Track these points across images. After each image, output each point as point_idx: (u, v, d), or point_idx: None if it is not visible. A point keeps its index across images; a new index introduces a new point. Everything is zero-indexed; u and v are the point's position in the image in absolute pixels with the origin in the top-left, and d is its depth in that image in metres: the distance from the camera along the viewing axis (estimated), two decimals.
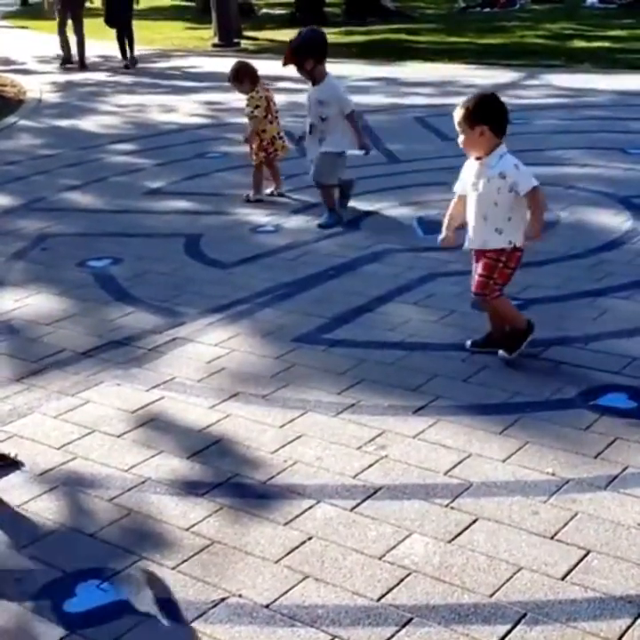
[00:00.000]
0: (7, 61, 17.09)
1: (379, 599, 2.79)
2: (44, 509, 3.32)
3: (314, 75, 6.35)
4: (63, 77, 15.12)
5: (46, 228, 6.81)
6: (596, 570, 2.86)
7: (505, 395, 3.97)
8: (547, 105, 10.70)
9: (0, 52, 17.96)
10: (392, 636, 2.64)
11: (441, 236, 4.35)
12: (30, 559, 3.05)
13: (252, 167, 7.25)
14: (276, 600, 2.80)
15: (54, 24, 16.41)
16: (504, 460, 3.47)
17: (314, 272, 5.59)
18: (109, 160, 9.01)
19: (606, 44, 15.36)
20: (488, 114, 4.07)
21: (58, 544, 3.13)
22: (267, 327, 4.82)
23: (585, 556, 2.92)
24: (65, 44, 16.27)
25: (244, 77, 7.07)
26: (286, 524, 3.17)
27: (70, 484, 3.47)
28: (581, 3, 22.55)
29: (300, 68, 6.42)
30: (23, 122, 11.47)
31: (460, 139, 4.12)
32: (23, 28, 24.35)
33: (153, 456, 3.63)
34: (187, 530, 3.16)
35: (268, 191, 7.27)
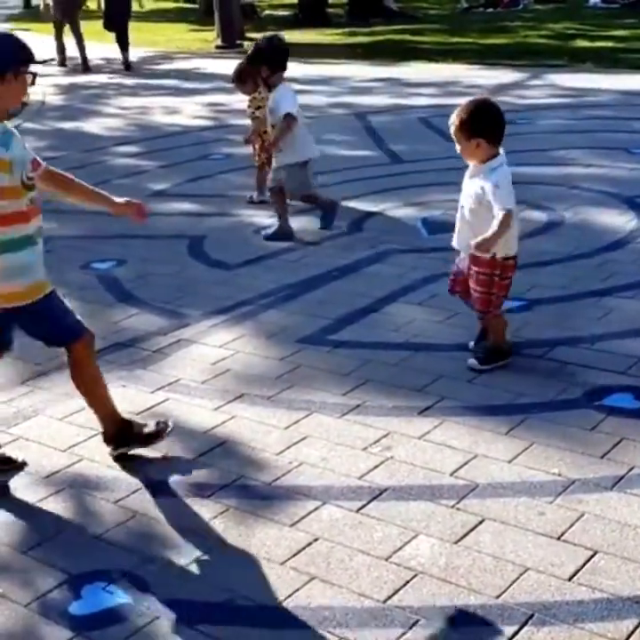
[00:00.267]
0: None
1: (385, 600, 2.78)
2: (50, 511, 3.32)
3: (269, 83, 6.34)
4: (66, 80, 15.15)
5: (51, 230, 6.77)
6: (602, 570, 2.85)
7: (510, 395, 3.96)
8: (550, 105, 10.70)
9: None
10: (399, 637, 2.64)
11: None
12: (36, 561, 3.05)
13: (256, 168, 7.25)
14: (282, 602, 2.80)
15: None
16: (510, 461, 3.46)
17: (318, 273, 5.59)
18: (113, 162, 9.02)
19: (609, 44, 15.36)
20: (483, 126, 3.98)
21: (64, 546, 3.13)
22: (271, 328, 4.82)
23: (592, 556, 2.91)
24: (61, 48, 16.44)
25: (246, 78, 7.07)
26: (292, 525, 3.16)
27: (76, 487, 3.47)
28: (584, 2, 22.56)
29: (257, 75, 6.41)
30: (26, 124, 11.47)
31: (458, 148, 4.11)
32: (26, 30, 24.37)
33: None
34: (192, 531, 3.16)
35: None
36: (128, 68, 15.88)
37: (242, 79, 7.10)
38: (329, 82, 13.52)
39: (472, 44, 16.74)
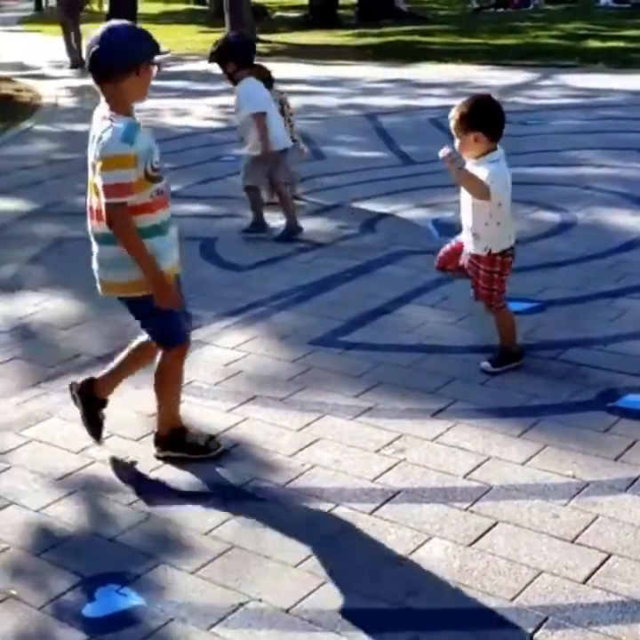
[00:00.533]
0: (22, 66, 17.18)
1: (399, 603, 2.77)
2: (64, 514, 3.33)
3: (234, 78, 6.35)
4: (78, 82, 15.17)
5: (63, 232, 6.82)
6: (617, 573, 2.84)
7: (523, 397, 3.95)
8: (561, 105, 10.67)
9: (16, 56, 18.06)
10: None
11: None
12: (50, 564, 3.06)
13: None
14: (295, 604, 2.79)
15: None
16: (523, 463, 3.45)
17: (329, 274, 5.59)
18: None
19: (621, 44, 15.32)
20: (483, 119, 4.02)
21: (77, 548, 3.13)
22: (283, 330, 4.81)
23: (606, 559, 2.90)
24: (71, 49, 16.63)
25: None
26: (305, 527, 3.16)
27: (89, 489, 3.48)
28: (595, 2, 22.52)
29: (223, 70, 6.42)
30: (39, 126, 11.53)
31: (456, 142, 4.13)
32: (38, 31, 24.48)
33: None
34: (205, 534, 3.16)
35: None
36: None
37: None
38: (339, 83, 13.51)
39: (482, 44, 16.72)
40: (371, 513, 3.21)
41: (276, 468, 3.54)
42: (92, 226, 3.46)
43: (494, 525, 3.10)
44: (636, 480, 3.30)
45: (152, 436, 3.74)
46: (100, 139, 3.27)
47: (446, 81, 12.89)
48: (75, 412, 4.04)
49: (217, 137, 9.97)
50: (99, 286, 3.57)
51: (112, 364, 3.79)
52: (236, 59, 6.28)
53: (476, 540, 3.03)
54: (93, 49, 3.30)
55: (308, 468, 3.52)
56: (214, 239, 6.45)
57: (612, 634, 2.60)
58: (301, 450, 3.65)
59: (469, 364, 4.27)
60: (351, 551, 3.02)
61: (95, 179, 3.32)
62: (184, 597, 2.86)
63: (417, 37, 18.28)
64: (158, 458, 3.64)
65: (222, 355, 4.55)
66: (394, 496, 3.30)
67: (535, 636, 2.62)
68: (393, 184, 7.54)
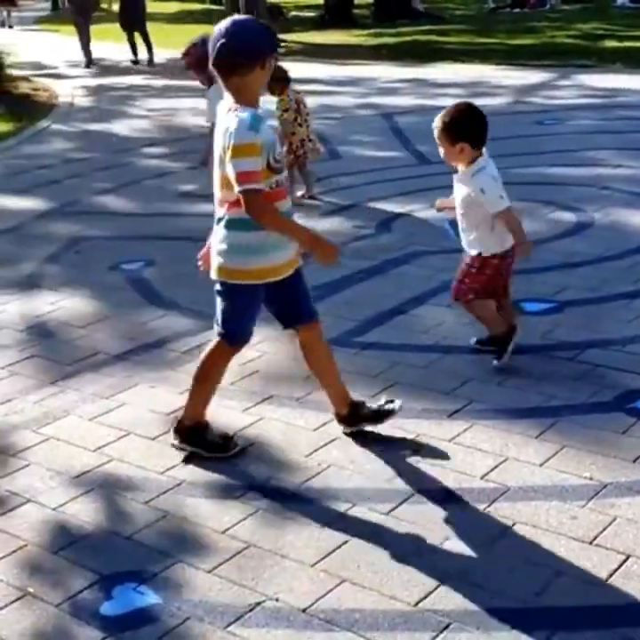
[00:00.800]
0: (39, 65, 17.26)
1: (416, 604, 2.77)
2: (81, 512, 3.33)
3: (211, 77, 6.30)
4: (94, 81, 15.24)
5: (80, 231, 6.85)
6: (635, 574, 2.82)
7: (540, 398, 3.93)
8: (579, 105, 10.63)
9: (33, 56, 18.14)
10: None
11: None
12: (67, 561, 3.06)
13: None
14: (312, 604, 2.79)
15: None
16: (541, 465, 3.44)
17: (345, 274, 5.57)
18: (141, 163, 9.05)
19: (638, 44, 15.24)
20: (466, 131, 4.07)
21: (94, 547, 3.14)
22: None
23: (625, 560, 2.89)
24: (86, 48, 16.98)
25: (273, 80, 7.05)
26: (322, 527, 3.16)
27: (106, 487, 3.48)
28: (612, 2, 22.41)
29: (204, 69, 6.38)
30: (55, 126, 11.57)
31: (441, 152, 4.16)
32: (55, 31, 24.58)
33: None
34: (222, 533, 3.16)
35: (299, 194, 7.27)
36: (151, 63, 16.87)
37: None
38: (355, 83, 13.50)
39: (499, 44, 16.67)
40: (388, 513, 3.21)
41: (293, 467, 3.54)
42: (222, 214, 3.48)
43: (512, 526, 3.09)
44: None
45: (168, 436, 3.75)
46: (227, 130, 3.29)
47: (462, 81, 12.87)
48: (92, 409, 4.05)
49: None
50: (215, 272, 3.56)
51: (324, 380, 3.76)
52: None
53: (493, 542, 3.02)
54: (219, 42, 3.32)
55: (324, 468, 3.51)
56: None
57: (632, 636, 2.59)
58: (317, 450, 3.64)
59: (486, 364, 4.25)
60: (368, 551, 3.02)
61: (226, 169, 3.33)
62: (201, 596, 2.86)
63: (433, 37, 18.25)
64: (174, 446, 3.66)
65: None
66: (410, 496, 3.30)
67: (554, 638, 2.60)
68: (409, 184, 7.53)
